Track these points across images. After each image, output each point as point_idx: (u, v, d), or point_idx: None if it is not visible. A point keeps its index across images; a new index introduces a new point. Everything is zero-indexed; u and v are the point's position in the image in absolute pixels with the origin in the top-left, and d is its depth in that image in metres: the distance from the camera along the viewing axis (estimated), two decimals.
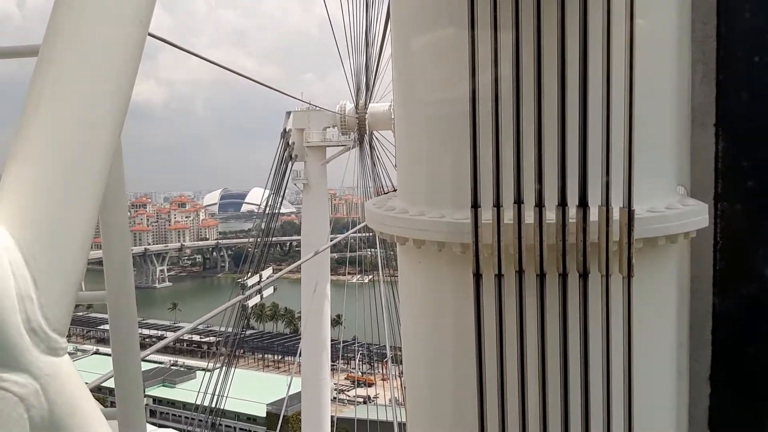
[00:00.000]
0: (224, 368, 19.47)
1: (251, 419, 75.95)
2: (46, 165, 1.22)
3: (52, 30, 1.29)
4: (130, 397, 1.82)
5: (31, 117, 1.23)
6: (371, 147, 23.76)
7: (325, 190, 24.34)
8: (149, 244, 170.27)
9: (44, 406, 1.15)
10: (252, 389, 72.02)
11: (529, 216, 2.23)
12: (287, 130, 22.65)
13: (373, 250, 25.44)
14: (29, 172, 1.21)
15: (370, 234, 22.58)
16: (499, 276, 2.26)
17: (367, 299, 24.74)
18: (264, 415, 71.64)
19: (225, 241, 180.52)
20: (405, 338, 3.05)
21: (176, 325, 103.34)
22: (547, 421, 2.27)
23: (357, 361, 68.18)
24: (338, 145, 23.72)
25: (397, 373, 22.41)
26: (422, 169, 2.72)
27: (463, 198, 2.31)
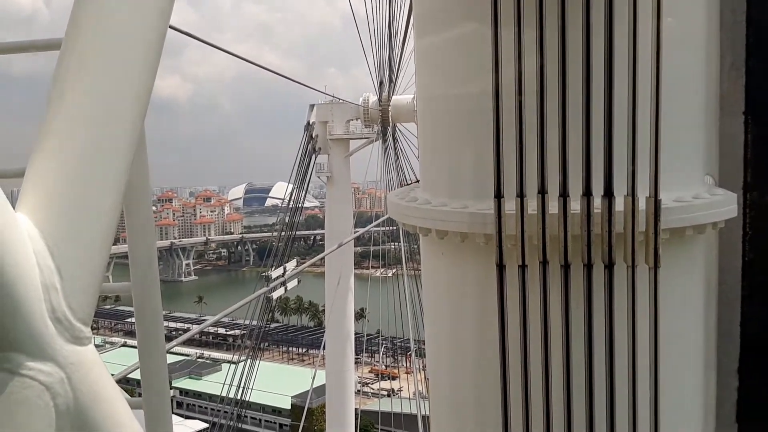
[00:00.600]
0: (249, 361, 19.62)
1: (276, 411, 76.58)
2: (70, 156, 1.23)
3: (75, 23, 1.30)
4: (155, 387, 1.83)
5: (54, 109, 1.25)
6: (394, 139, 23.70)
7: (348, 183, 24.33)
8: (175, 238, 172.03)
9: (69, 395, 1.16)
10: (277, 381, 72.55)
11: (553, 206, 2.21)
12: (311, 122, 22.69)
13: (396, 243, 25.42)
14: (53, 163, 1.22)
15: (394, 227, 22.58)
16: (523, 267, 2.24)
17: (390, 293, 24.74)
18: (289, 407, 72.12)
19: (249, 235, 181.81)
20: (428, 330, 3.05)
21: (202, 318, 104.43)
22: (572, 415, 2.25)
23: (381, 354, 68.32)
24: (361, 138, 23.68)
25: (420, 366, 22.40)
26: (445, 160, 2.71)
27: (486, 189, 2.29)
